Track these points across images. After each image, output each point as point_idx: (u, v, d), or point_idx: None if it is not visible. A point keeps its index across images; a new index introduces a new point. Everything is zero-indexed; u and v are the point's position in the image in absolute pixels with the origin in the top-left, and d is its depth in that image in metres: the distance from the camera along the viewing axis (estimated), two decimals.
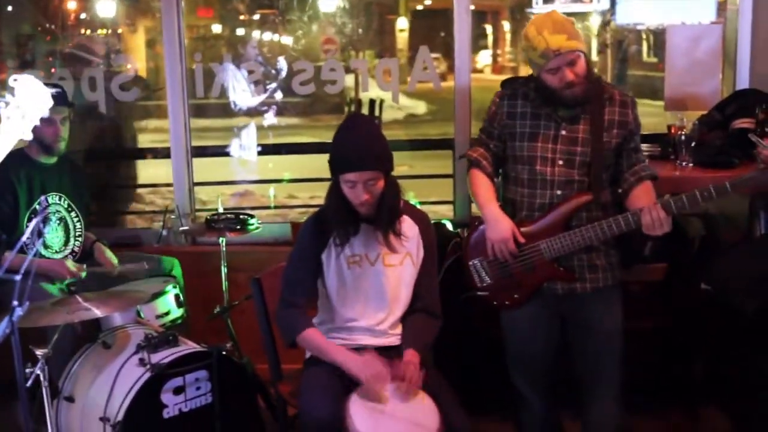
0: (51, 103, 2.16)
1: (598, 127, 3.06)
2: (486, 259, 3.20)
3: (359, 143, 2.91)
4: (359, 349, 2.99)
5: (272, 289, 3.34)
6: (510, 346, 3.34)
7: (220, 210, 4.07)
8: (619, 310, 3.22)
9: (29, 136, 2.12)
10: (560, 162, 3.07)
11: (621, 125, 3.10)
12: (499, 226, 3.10)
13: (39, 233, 2.11)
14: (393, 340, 3.09)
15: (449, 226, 4.24)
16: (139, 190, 8.80)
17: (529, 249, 3.10)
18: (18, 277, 2.01)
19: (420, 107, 15.98)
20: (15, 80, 2.09)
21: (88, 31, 11.70)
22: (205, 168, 5.79)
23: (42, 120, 3.71)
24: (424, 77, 4.46)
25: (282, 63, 5.07)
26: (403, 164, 7.77)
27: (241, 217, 4.04)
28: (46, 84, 3.89)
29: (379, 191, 2.92)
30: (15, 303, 2.05)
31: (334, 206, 2.99)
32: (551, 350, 3.29)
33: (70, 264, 3.80)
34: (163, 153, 5.00)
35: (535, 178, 3.11)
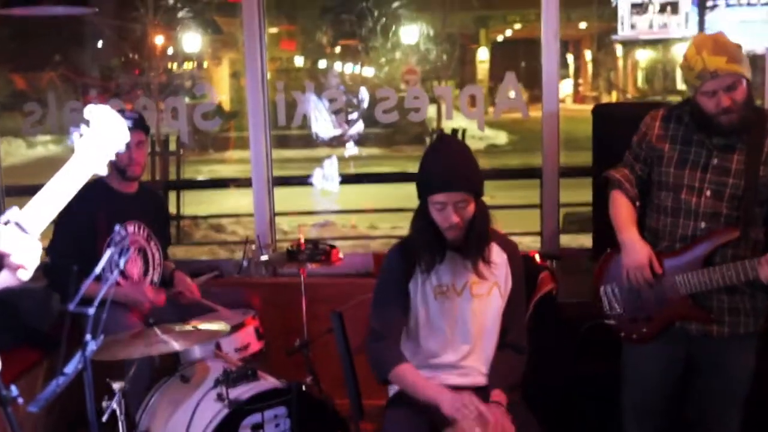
0: (128, 136, 2.07)
1: (754, 158, 2.84)
2: (619, 287, 3.03)
3: (449, 163, 2.78)
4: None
5: (354, 323, 3.22)
6: (626, 382, 3.14)
7: (302, 241, 3.97)
8: (753, 358, 3.00)
9: (104, 171, 2.03)
10: (708, 193, 2.88)
11: None
12: (635, 252, 2.93)
13: (115, 264, 2.01)
14: (480, 379, 2.92)
15: (537, 259, 4.06)
16: (222, 220, 8.90)
17: (664, 281, 2.92)
18: (91, 311, 1.92)
19: (501, 137, 15.85)
20: (90, 111, 2.01)
21: (175, 65, 12.03)
22: (285, 198, 5.77)
23: None
24: (511, 105, 4.33)
25: (364, 92, 5.01)
26: (485, 194, 7.68)
27: (323, 248, 3.95)
28: (123, 110, 3.92)
29: (470, 215, 2.78)
30: (88, 337, 1.96)
31: (421, 231, 2.86)
32: (670, 391, 3.07)
33: (149, 290, 3.76)
34: (245, 183, 4.97)
35: (679, 207, 2.92)
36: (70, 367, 1.97)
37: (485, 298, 2.92)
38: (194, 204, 8.75)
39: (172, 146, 8.27)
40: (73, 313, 2.03)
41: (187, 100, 4.89)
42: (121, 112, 3.83)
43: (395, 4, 11.50)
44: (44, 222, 1.95)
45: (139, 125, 3.84)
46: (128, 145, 3.69)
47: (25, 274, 1.87)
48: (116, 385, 2.97)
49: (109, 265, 3.77)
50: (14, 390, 1.78)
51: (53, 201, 1.96)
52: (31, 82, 10.25)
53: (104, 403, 2.96)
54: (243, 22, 4.44)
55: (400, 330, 2.95)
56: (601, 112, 3.92)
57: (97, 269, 2.00)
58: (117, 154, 3.79)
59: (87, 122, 2.05)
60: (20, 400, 1.78)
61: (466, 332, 2.91)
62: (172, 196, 8.05)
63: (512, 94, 4.33)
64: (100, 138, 2.03)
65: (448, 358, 2.91)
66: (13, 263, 1.83)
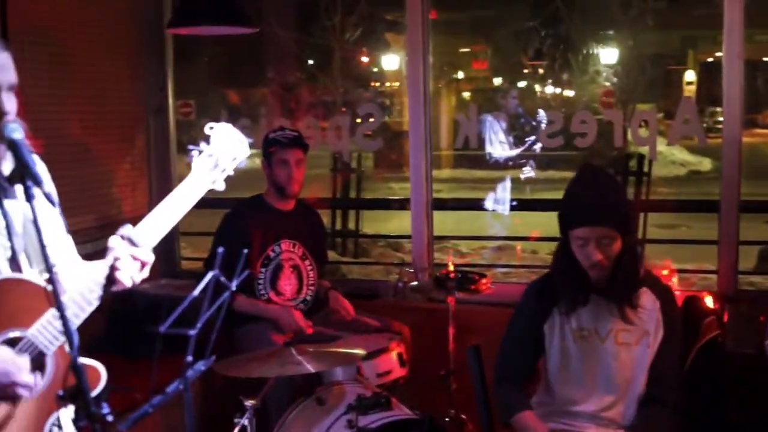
0: (248, 152, 2.08)
1: None
2: None
3: (592, 196, 2.59)
4: None
5: (494, 357, 3.06)
6: None
7: (451, 267, 3.83)
8: None
9: (221, 186, 2.05)
10: None
11: None
12: None
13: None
14: None
15: (708, 302, 3.69)
16: (398, 240, 8.91)
17: None
18: (193, 332, 1.90)
19: (705, 164, 14.97)
20: (211, 128, 2.03)
21: (376, 84, 12.23)
22: (463, 219, 5.67)
23: (277, 161, 3.79)
24: (687, 131, 4.01)
25: (542, 115, 4.84)
26: (681, 225, 7.24)
27: (471, 276, 3.80)
28: (283, 128, 3.95)
29: (615, 254, 2.56)
30: (189, 358, 1.94)
31: (562, 269, 2.68)
32: None
33: (299, 317, 3.75)
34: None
35: None
36: (171, 387, 1.95)
37: (633, 347, 2.67)
38: (375, 221, 8.80)
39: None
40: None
41: (357, 120, 4.88)
42: (281, 129, 3.88)
43: (592, 25, 11.17)
44: (157, 237, 2.00)
45: (298, 143, 3.86)
46: (288, 163, 3.78)
47: (131, 280, 1.97)
48: (248, 403, 2.98)
49: (264, 284, 3.83)
50: (105, 407, 1.78)
51: (166, 218, 2.00)
52: (244, 98, 10.78)
53: (235, 420, 2.97)
54: (406, 40, 4.38)
55: (527, 374, 2.80)
56: None
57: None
58: (276, 173, 3.86)
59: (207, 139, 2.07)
60: (110, 418, 1.78)
61: (609, 382, 2.68)
62: (351, 213, 8.21)
63: (686, 120, 3.99)
64: (218, 155, 2.04)
65: (588, 407, 2.70)
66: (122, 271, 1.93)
